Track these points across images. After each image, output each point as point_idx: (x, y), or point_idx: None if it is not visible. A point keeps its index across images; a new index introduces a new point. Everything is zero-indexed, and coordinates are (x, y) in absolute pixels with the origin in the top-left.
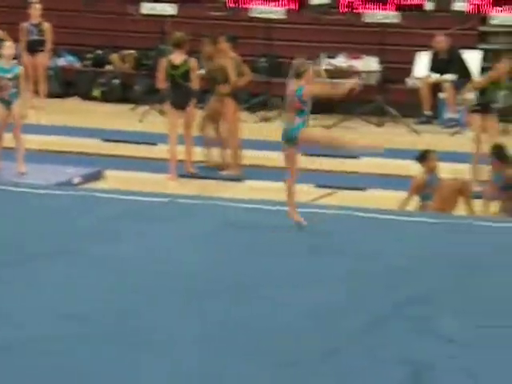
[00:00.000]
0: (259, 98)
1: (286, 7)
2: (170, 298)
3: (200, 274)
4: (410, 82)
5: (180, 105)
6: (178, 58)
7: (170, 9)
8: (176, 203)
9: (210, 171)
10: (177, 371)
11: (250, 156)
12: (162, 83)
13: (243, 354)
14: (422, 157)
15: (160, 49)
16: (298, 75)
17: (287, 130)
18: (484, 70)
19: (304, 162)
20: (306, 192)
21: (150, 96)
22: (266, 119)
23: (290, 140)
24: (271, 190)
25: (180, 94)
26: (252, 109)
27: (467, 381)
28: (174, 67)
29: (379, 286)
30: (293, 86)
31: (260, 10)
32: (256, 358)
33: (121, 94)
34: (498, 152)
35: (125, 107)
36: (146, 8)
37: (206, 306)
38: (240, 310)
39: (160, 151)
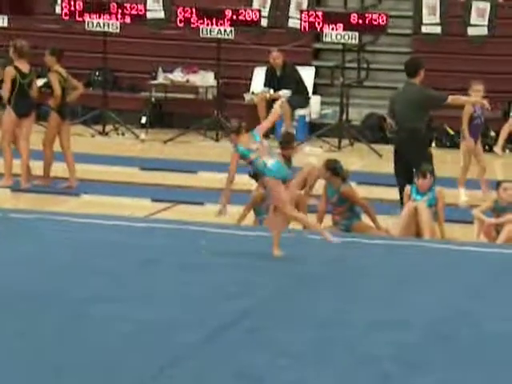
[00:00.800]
0: (94, 112)
1: (122, 21)
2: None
3: (29, 292)
4: (247, 97)
5: (24, 114)
6: (24, 66)
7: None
8: (9, 218)
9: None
10: None
11: (86, 170)
12: (8, 92)
13: (78, 367)
14: None
15: None
16: (238, 131)
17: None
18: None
19: (140, 176)
20: (142, 207)
21: None
22: (102, 133)
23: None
24: (107, 205)
25: (26, 103)
26: (87, 122)
27: None
28: (23, 76)
29: (214, 298)
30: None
31: (95, 23)
32: (92, 372)
33: None
34: (332, 167)
35: None
36: None
37: (37, 325)
38: (74, 326)
39: None
